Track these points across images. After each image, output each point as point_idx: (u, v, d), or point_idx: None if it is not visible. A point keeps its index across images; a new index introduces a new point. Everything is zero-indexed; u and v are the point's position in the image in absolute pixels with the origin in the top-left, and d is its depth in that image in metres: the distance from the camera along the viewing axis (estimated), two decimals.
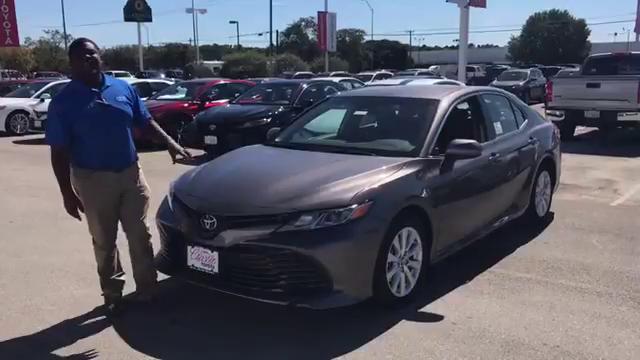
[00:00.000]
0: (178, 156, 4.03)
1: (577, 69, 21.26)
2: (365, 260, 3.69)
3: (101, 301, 4.06)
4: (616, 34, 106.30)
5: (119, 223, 3.94)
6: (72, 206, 3.76)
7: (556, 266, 4.87)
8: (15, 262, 5.13)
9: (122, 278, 4.06)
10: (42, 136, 14.27)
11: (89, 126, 3.64)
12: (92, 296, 4.19)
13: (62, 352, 3.50)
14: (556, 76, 17.44)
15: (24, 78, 35.86)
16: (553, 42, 63.17)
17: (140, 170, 3.95)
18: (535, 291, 4.35)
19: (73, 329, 3.81)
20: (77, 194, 3.77)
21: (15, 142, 14.33)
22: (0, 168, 10.51)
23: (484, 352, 3.43)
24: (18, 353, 3.51)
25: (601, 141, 12.09)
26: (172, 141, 4.07)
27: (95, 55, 3.67)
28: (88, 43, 3.67)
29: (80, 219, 3.81)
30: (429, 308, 4.03)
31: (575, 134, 12.91)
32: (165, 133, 4.12)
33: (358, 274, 3.69)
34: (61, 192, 3.74)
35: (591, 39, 65.64)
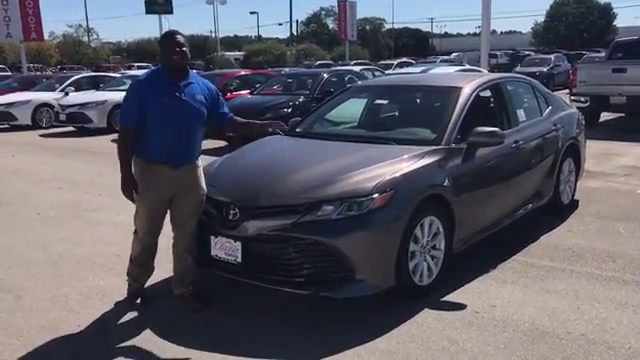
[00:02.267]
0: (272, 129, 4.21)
1: (602, 54, 20.85)
2: (387, 249, 3.69)
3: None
4: None
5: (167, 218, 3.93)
6: (129, 189, 3.72)
7: (581, 254, 4.82)
8: (43, 253, 5.24)
9: (149, 273, 4.08)
10: (68, 129, 14.54)
11: (161, 117, 3.65)
12: (118, 286, 4.26)
13: (90, 340, 3.58)
14: (581, 61, 17.15)
15: (49, 72, 36.36)
16: (578, 27, 61.97)
17: (201, 168, 3.92)
18: (559, 279, 4.31)
19: (100, 318, 3.88)
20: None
21: (41, 135, 14.54)
22: (27, 161, 10.69)
23: (508, 341, 3.42)
24: (47, 341, 3.59)
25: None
26: (258, 123, 4.30)
27: (185, 49, 3.70)
28: (179, 36, 3.72)
29: (135, 202, 3.78)
30: (452, 297, 4.02)
31: (600, 120, 12.70)
32: (248, 120, 4.35)
33: (380, 263, 3.69)
34: (121, 173, 3.72)
35: (617, 23, 64.27)
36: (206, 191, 3.94)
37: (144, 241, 3.91)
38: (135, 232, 3.95)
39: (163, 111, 3.65)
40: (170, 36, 3.73)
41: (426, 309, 3.82)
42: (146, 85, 3.72)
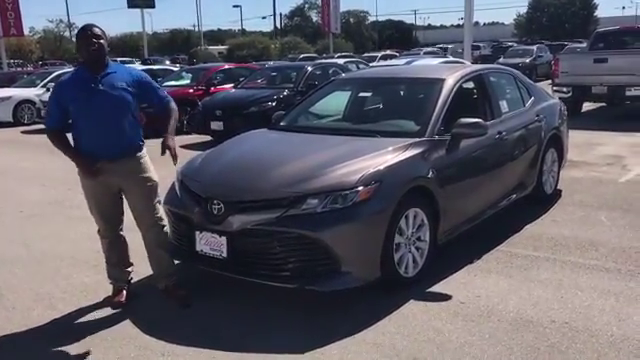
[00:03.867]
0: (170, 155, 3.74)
1: (584, 45, 21.01)
2: (372, 242, 3.70)
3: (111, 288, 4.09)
4: (624, 8, 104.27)
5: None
6: (84, 166, 3.67)
7: (564, 243, 4.87)
8: (26, 251, 5.19)
9: (128, 270, 4.07)
10: None
11: (81, 111, 3.62)
12: (103, 283, 4.22)
13: (74, 339, 3.54)
14: (563, 52, 17.28)
15: (30, 68, 35.90)
16: (560, 18, 62.38)
17: (144, 160, 3.81)
18: (543, 269, 4.35)
19: (85, 316, 3.86)
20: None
21: (23, 132, 14.39)
22: (8, 158, 10.57)
23: (493, 330, 3.45)
24: (31, 340, 3.56)
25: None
26: (169, 138, 3.75)
27: (102, 41, 3.63)
28: (94, 29, 3.63)
29: (96, 176, 3.67)
30: (437, 288, 4.04)
31: (582, 110, 12.81)
32: (172, 128, 3.82)
33: (366, 256, 3.70)
34: (71, 160, 3.71)
35: (598, 13, 64.81)
36: (157, 180, 3.88)
37: (106, 235, 3.94)
38: (98, 230, 3.97)
39: (81, 105, 3.61)
40: (85, 30, 3.64)
41: (412, 300, 3.83)
42: (63, 84, 3.72)
